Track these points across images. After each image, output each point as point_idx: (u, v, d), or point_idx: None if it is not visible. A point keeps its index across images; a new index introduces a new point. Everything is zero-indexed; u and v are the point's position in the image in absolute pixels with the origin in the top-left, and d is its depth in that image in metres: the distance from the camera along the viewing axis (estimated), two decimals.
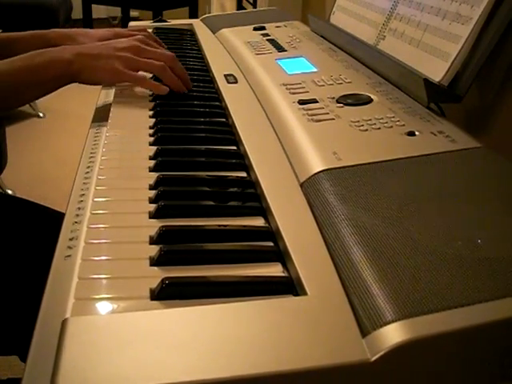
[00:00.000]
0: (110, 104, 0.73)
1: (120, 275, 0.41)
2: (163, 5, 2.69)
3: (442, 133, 0.56)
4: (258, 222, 0.49)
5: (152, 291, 0.39)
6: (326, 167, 0.50)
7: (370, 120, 0.59)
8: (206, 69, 0.90)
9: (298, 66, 0.80)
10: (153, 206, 0.49)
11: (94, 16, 2.95)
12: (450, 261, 0.38)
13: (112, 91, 0.79)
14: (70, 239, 0.45)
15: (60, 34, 0.88)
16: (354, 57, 0.82)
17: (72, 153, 2.24)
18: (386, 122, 0.58)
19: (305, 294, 0.38)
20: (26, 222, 0.82)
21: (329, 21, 0.99)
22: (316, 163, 0.52)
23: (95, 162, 0.58)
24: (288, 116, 0.63)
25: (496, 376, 0.36)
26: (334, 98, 0.66)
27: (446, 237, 0.40)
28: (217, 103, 0.75)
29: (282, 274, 0.42)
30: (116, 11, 3.60)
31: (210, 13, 2.85)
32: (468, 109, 0.72)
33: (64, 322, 0.34)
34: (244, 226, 0.48)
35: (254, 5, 2.27)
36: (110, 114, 0.69)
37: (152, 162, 0.58)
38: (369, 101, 0.65)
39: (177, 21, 1.26)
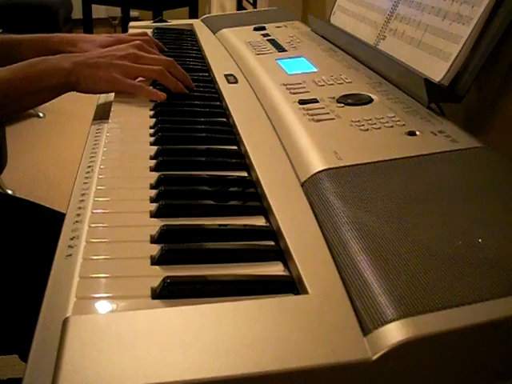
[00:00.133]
0: (111, 103, 0.73)
1: (121, 274, 0.41)
2: (163, 5, 2.70)
3: (443, 132, 0.56)
4: (259, 221, 0.49)
5: (153, 290, 0.39)
6: (327, 167, 0.50)
7: (371, 120, 0.59)
8: (206, 69, 0.90)
9: (299, 66, 0.80)
10: (154, 206, 0.49)
11: (94, 16, 2.95)
12: (451, 260, 0.38)
13: None
14: (71, 238, 0.45)
15: (62, 39, 0.88)
16: (354, 57, 0.82)
17: (72, 153, 2.24)
18: (387, 122, 0.58)
19: (306, 292, 0.38)
20: (26, 221, 0.82)
21: (329, 21, 1.00)
22: (317, 163, 0.52)
23: (96, 162, 0.58)
24: (288, 116, 0.63)
25: (497, 374, 0.36)
26: (334, 97, 0.66)
27: (446, 236, 0.40)
28: (217, 103, 0.75)
29: (283, 273, 0.42)
30: (116, 11, 3.60)
31: (210, 13, 2.85)
32: (468, 109, 0.72)
33: (65, 321, 0.34)
34: (245, 225, 0.48)
35: (254, 5, 2.28)
36: (111, 114, 0.69)
37: (153, 162, 0.58)
38: (369, 101, 0.65)
39: (177, 21, 1.26)
